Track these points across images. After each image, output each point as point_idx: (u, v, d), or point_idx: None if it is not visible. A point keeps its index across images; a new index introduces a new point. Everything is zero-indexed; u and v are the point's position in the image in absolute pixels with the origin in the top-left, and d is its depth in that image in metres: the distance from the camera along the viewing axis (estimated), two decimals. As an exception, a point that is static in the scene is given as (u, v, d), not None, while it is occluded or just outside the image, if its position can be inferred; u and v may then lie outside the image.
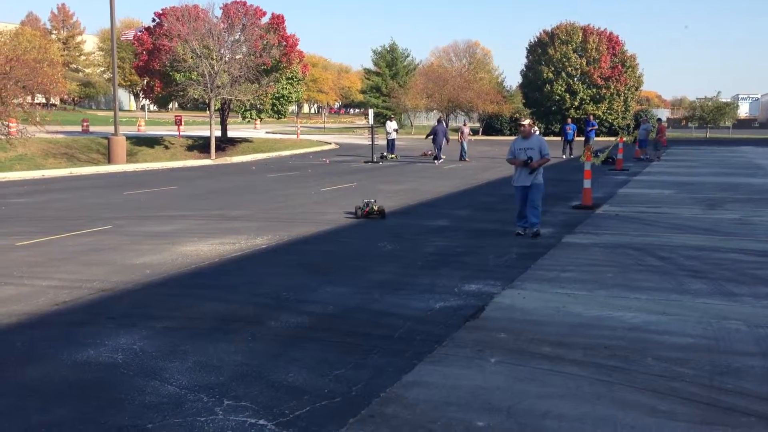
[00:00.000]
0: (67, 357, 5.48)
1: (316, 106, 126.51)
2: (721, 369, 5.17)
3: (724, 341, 5.84)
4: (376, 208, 12.80)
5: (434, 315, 6.65)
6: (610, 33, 60.39)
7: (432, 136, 29.80)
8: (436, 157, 29.33)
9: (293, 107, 71.18)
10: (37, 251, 9.85)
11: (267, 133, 52.65)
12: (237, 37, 32.57)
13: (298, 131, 49.52)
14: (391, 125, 32.88)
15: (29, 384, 4.95)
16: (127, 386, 4.87)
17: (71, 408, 4.52)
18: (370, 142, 30.52)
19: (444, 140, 29.32)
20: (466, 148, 30.58)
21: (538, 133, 36.37)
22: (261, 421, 4.29)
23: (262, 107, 37.65)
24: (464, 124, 32.64)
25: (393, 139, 32.41)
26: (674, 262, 9.03)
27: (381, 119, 52.44)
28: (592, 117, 36.49)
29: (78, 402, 4.62)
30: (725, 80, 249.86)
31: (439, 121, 32.02)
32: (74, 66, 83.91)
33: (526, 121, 11.37)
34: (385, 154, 31.45)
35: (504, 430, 4.15)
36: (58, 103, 68.03)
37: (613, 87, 58.65)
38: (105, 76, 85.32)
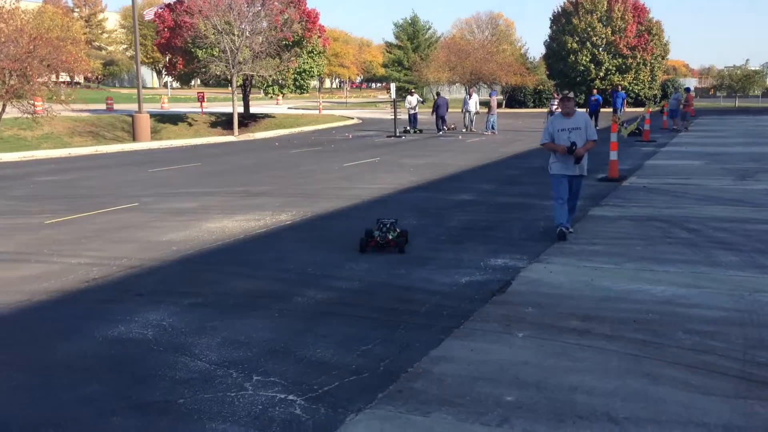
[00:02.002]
0: (98, 333, 5.55)
1: (337, 80, 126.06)
2: (754, 342, 5.10)
3: (756, 314, 5.75)
4: (392, 236, 8.21)
5: (460, 290, 6.63)
6: (636, 0, 59.22)
7: (435, 110, 31.70)
8: (439, 129, 31.13)
9: (315, 82, 70.92)
10: (66, 229, 9.97)
11: (289, 108, 52.64)
12: (257, 11, 32.42)
13: (320, 106, 49.43)
14: (413, 99, 32.73)
15: (62, 360, 5.02)
16: (157, 362, 4.92)
17: (103, 384, 4.57)
18: (393, 117, 30.40)
19: (446, 112, 31.29)
20: (494, 120, 30.41)
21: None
22: (290, 397, 4.32)
23: (284, 82, 37.57)
24: (490, 95, 32.39)
25: (415, 114, 32.28)
26: (704, 234, 8.90)
27: (403, 93, 52.11)
28: (620, 88, 35.92)
29: (110, 378, 4.68)
30: (754, 48, 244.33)
31: (438, 94, 33.07)
32: (97, 44, 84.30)
33: (570, 95, 9.01)
34: (407, 128, 31.32)
35: (534, 405, 4.14)
36: (82, 81, 68.50)
37: (639, 56, 57.57)
38: (128, 53, 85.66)
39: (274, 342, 5.28)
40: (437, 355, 4.97)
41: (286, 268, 7.52)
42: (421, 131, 31.22)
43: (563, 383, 4.43)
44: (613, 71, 57.56)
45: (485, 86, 61.33)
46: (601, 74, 57.37)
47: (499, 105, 57.38)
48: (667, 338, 5.20)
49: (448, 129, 32.13)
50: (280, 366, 4.81)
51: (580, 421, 3.92)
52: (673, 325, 5.49)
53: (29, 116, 24.95)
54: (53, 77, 26.76)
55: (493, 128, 30.14)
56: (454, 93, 68.34)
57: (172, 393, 4.40)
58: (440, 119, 31.20)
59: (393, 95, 32.67)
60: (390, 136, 28.86)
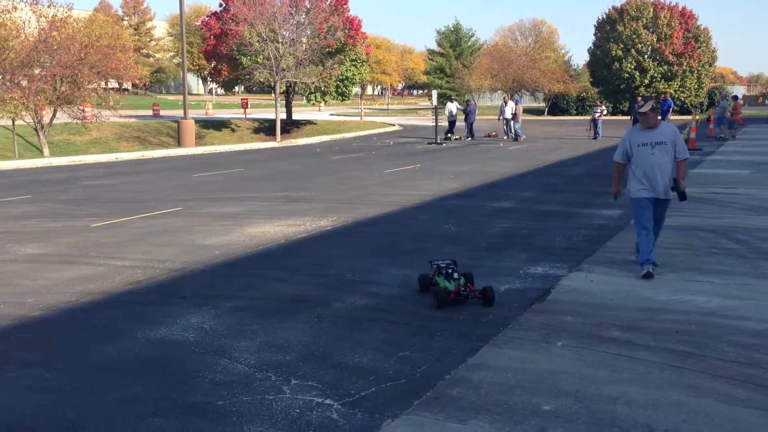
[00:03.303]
0: (141, 335, 5.66)
1: (379, 87, 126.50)
2: (801, 356, 4.97)
3: (804, 328, 5.61)
4: (459, 282, 6.48)
5: (499, 297, 6.58)
6: (683, 7, 58.19)
7: (465, 116, 32.34)
8: (469, 136, 31.64)
9: (357, 89, 71.25)
10: (112, 232, 10.19)
11: (331, 115, 52.98)
12: (301, 19, 32.78)
13: (362, 113, 49.64)
14: (452, 106, 32.68)
15: (107, 361, 5.14)
16: (198, 364, 5.00)
17: (146, 385, 4.67)
18: (434, 124, 30.41)
19: (474, 119, 32.10)
20: (518, 128, 30.42)
21: (605, 112, 35.46)
22: (327, 401, 4.35)
23: (326, 89, 37.87)
24: (516, 103, 32.08)
25: (454, 121, 32.22)
26: (750, 245, 8.70)
27: (444, 100, 51.93)
28: (668, 96, 35.30)
29: (152, 379, 4.77)
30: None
31: (467, 102, 33.88)
32: (145, 51, 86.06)
33: (648, 107, 7.09)
34: (448, 135, 31.31)
35: (572, 415, 4.10)
36: (130, 87, 69.95)
37: (685, 64, 56.51)
38: (174, 60, 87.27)
39: (312, 346, 5.33)
40: (475, 362, 4.95)
41: (325, 274, 7.58)
42: (459, 138, 31.19)
43: (603, 393, 4.38)
44: (659, 79, 56.62)
45: (528, 93, 60.95)
46: (646, 82, 56.47)
47: (541, 112, 57.22)
48: (710, 350, 5.10)
49: (488, 136, 32.20)
50: (318, 370, 4.85)
51: (619, 432, 3.88)
52: (717, 337, 5.39)
53: (78, 121, 25.60)
54: (102, 84, 27.42)
55: (516, 135, 30.17)
56: (495, 100, 67.95)
57: (212, 395, 4.48)
58: (469, 126, 31.78)
59: (434, 102, 32.67)
60: (431, 143, 28.85)
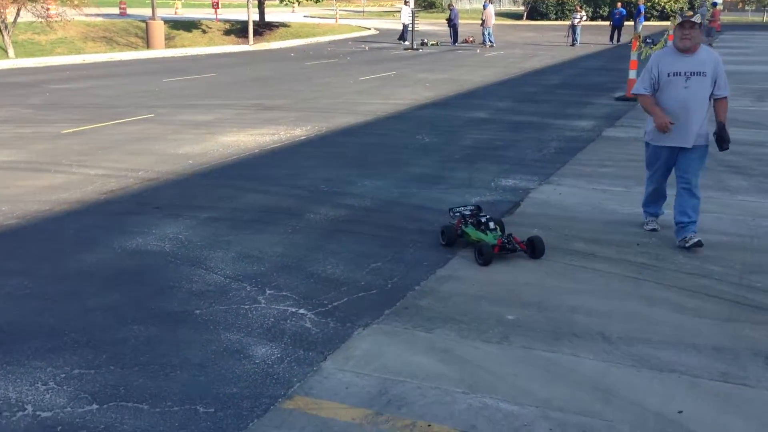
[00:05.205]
0: (117, 245, 5.76)
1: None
2: (752, 267, 5.24)
3: (758, 239, 5.88)
4: (494, 232, 5.54)
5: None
6: None
7: (449, 21, 32.21)
8: (455, 41, 31.60)
9: (332, -11, 69.00)
10: (83, 139, 10.11)
11: (305, 17, 51.54)
12: None
13: (337, 16, 48.39)
14: (406, 10, 30.86)
15: (85, 270, 5.25)
16: (174, 274, 5.14)
17: (124, 293, 4.81)
18: (411, 29, 29.81)
19: (458, 24, 31.93)
20: (489, 33, 30.02)
21: (585, 18, 34.60)
22: (301, 311, 4.53)
23: (300, -10, 36.74)
24: (484, 7, 31.32)
25: (407, 24, 30.42)
26: (715, 157, 8.78)
27: (423, 2, 50.64)
28: (641, 1, 34.78)
29: (130, 288, 4.90)
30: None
31: (449, 6, 33.65)
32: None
33: (697, 17, 5.76)
34: (425, 40, 30.78)
35: (533, 324, 4.33)
36: (94, -16, 67.21)
37: (667, -33, 55.38)
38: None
39: (286, 257, 5.48)
40: (444, 274, 5.15)
41: (299, 185, 7.66)
42: (436, 43, 30.77)
43: (563, 304, 4.61)
44: (639, -18, 55.53)
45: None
46: (627, -14, 55.38)
47: (520, 17, 56.24)
48: (668, 262, 5.35)
49: (465, 42, 31.79)
50: (292, 281, 5.01)
51: (575, 339, 4.12)
52: (675, 249, 5.62)
53: (42, 20, 24.74)
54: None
55: (490, 41, 29.82)
56: (475, 3, 66.49)
57: (189, 304, 4.63)
58: (453, 29, 31.47)
59: (411, 5, 31.92)
60: (407, 49, 28.42)
